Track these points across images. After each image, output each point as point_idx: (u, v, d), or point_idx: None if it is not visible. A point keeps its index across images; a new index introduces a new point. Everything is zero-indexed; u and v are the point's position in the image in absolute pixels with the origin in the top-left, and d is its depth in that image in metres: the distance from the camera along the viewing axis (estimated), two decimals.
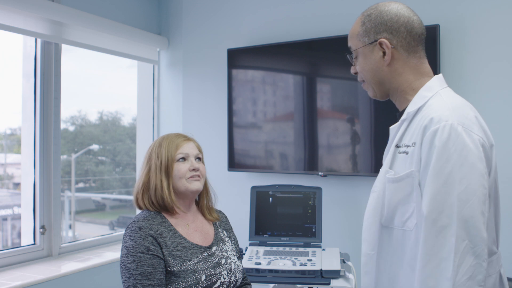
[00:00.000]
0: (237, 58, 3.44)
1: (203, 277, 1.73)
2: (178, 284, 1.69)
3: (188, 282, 1.69)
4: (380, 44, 1.44)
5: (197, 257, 1.77)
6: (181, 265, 1.71)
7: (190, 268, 1.72)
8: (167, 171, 1.83)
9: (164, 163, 1.83)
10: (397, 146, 1.46)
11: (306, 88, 3.21)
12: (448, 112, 1.32)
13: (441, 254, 1.27)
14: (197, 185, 1.86)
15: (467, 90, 2.77)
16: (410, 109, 1.43)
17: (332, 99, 3.13)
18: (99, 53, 3.33)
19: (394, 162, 1.45)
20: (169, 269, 1.70)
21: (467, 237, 1.25)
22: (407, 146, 1.41)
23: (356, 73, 1.56)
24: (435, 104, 1.38)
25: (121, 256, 1.71)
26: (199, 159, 1.91)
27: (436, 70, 2.73)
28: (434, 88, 1.43)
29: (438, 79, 1.46)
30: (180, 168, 1.83)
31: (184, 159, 1.85)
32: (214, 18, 3.63)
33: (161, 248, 1.71)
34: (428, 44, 2.82)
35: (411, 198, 1.38)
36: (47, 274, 2.65)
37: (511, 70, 2.67)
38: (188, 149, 1.87)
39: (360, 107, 3.03)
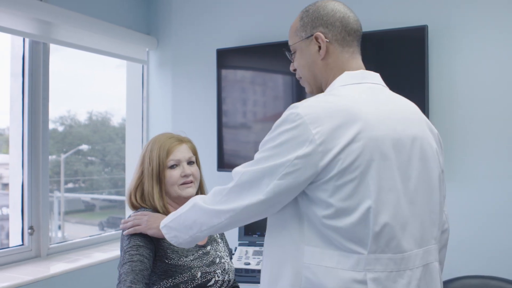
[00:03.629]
0: (227, 58, 3.43)
1: (199, 274, 1.75)
2: (175, 278, 1.71)
3: (184, 278, 1.71)
4: (316, 38, 1.44)
5: (192, 254, 1.78)
6: (178, 260, 1.73)
7: (186, 264, 1.74)
8: (159, 177, 1.82)
9: (155, 170, 1.82)
10: None
11: (295, 88, 3.22)
12: (302, 104, 1.31)
13: None
14: (189, 192, 1.85)
15: (456, 90, 2.79)
16: None
17: None
18: (88, 53, 3.32)
19: None
20: (167, 261, 1.72)
21: None
22: None
23: (295, 70, 1.55)
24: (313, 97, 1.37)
25: (120, 243, 1.75)
26: (192, 162, 1.89)
27: (424, 71, 2.75)
28: (334, 84, 1.42)
29: (346, 75, 1.43)
30: (172, 175, 1.82)
31: (176, 165, 1.84)
32: (204, 18, 3.62)
33: (157, 239, 1.72)
34: (416, 45, 2.84)
35: None
36: (35, 275, 2.63)
37: (499, 70, 2.70)
38: (179, 154, 1.85)
39: None
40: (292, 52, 1.54)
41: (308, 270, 1.28)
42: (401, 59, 2.83)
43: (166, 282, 1.71)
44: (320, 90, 1.50)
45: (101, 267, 2.98)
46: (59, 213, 6.26)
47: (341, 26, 1.44)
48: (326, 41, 1.43)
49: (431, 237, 1.38)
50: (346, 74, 1.42)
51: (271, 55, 3.28)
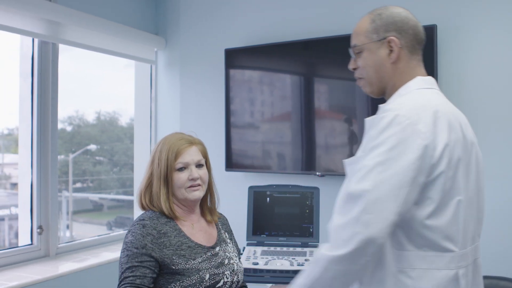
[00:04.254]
0: (235, 58, 3.43)
1: (207, 276, 1.74)
2: (182, 282, 1.70)
3: (193, 280, 1.71)
4: (389, 42, 1.49)
5: (201, 256, 1.78)
6: (185, 263, 1.73)
7: (194, 267, 1.74)
8: (166, 179, 1.81)
9: (163, 172, 1.81)
10: None
11: (303, 88, 3.21)
12: (400, 106, 1.36)
13: None
14: (196, 195, 1.84)
15: (465, 90, 2.78)
16: (383, 105, 1.48)
17: (330, 99, 3.13)
18: (96, 53, 3.33)
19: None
20: (174, 268, 1.71)
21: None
22: None
23: (354, 68, 1.58)
24: (397, 100, 1.44)
25: (121, 251, 1.73)
26: (201, 165, 1.88)
27: (433, 71, 2.73)
28: (410, 87, 1.48)
29: (420, 80, 1.50)
30: (180, 178, 1.81)
31: (184, 168, 1.83)
32: (212, 18, 3.63)
33: (160, 249, 1.71)
34: (425, 44, 2.83)
35: None
36: (44, 274, 2.65)
37: (508, 69, 2.68)
38: (188, 157, 1.83)
39: (357, 107, 3.03)
40: (357, 52, 1.56)
41: (403, 275, 1.33)
42: None
43: (174, 285, 1.70)
44: (383, 92, 1.56)
45: (109, 267, 2.98)
46: (68, 213, 6.29)
47: (413, 34, 1.51)
48: (399, 46, 1.49)
49: (478, 234, 1.49)
50: (419, 79, 1.49)
51: (279, 55, 3.28)
